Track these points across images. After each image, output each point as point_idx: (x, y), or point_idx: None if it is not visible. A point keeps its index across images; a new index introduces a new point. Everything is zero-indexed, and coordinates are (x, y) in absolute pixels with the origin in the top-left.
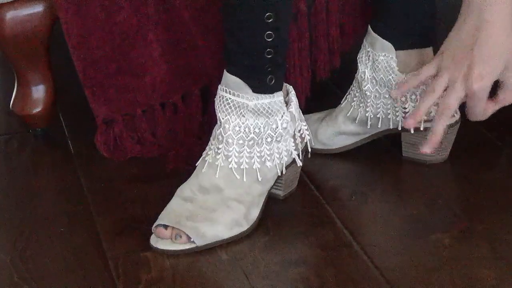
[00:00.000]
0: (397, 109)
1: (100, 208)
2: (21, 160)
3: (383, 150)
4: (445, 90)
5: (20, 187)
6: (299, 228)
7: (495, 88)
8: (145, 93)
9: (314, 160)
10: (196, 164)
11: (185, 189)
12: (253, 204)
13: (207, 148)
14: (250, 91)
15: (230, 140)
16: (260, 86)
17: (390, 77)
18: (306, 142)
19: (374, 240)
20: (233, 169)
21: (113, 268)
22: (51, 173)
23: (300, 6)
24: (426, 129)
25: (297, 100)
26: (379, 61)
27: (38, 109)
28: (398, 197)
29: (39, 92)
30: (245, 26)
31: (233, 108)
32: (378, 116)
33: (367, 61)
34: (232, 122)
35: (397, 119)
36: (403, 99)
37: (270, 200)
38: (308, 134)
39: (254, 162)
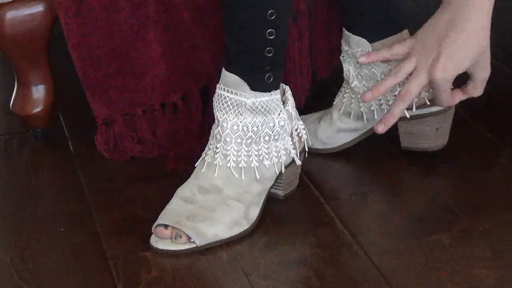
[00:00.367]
0: (388, 98)
1: (100, 208)
2: (21, 160)
3: (383, 150)
4: (410, 74)
5: (20, 187)
6: (299, 228)
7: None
8: (145, 93)
9: (314, 160)
10: (196, 165)
11: (185, 189)
12: (252, 203)
13: (206, 148)
14: (248, 89)
15: (228, 139)
16: (259, 84)
17: (373, 70)
18: (304, 142)
19: (374, 240)
20: (231, 168)
21: (113, 268)
22: (51, 173)
23: (300, 6)
24: (420, 116)
25: (293, 99)
26: (358, 57)
27: (38, 109)
28: (398, 197)
29: (39, 92)
30: (246, 24)
31: (231, 107)
32: (372, 108)
33: (349, 59)
34: (230, 121)
35: None
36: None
37: (270, 200)
38: (305, 133)
39: (252, 160)
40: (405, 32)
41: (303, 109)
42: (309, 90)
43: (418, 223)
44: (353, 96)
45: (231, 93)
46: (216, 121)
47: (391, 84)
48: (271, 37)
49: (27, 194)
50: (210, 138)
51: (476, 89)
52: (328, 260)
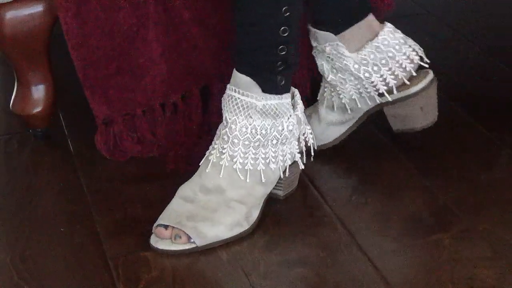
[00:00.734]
0: (366, 86)
1: (100, 208)
2: (21, 160)
3: (383, 150)
4: None
5: (20, 187)
6: (299, 228)
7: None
8: (145, 93)
9: (314, 160)
10: (200, 164)
11: (186, 189)
12: (254, 205)
13: (211, 147)
14: (259, 90)
15: (236, 141)
16: (270, 86)
17: (345, 62)
18: (310, 146)
19: (374, 240)
20: (237, 169)
21: (113, 268)
22: (51, 173)
23: None
24: (402, 99)
25: (302, 104)
26: (327, 52)
27: (38, 109)
28: (398, 197)
29: (39, 92)
30: (260, 20)
31: (241, 109)
32: (353, 98)
33: (320, 55)
34: (239, 122)
35: (371, 94)
36: (367, 74)
37: (270, 200)
38: (312, 138)
39: (259, 163)
40: (370, 16)
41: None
42: (309, 90)
43: (418, 223)
44: (332, 90)
45: (242, 94)
46: (224, 121)
47: None
48: (284, 34)
49: (27, 194)
50: (215, 137)
51: None
52: (328, 260)
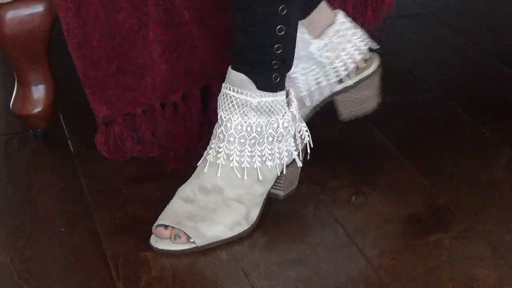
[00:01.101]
0: (327, 73)
1: (100, 208)
2: (21, 160)
3: (383, 150)
4: None
5: (20, 187)
6: (299, 228)
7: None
8: (145, 93)
9: (314, 160)
10: (198, 164)
11: (186, 189)
12: (253, 204)
13: (208, 147)
14: (254, 87)
15: (231, 139)
16: (265, 83)
17: (309, 49)
18: (306, 143)
19: (374, 240)
20: (234, 168)
21: (113, 268)
22: (51, 173)
23: None
24: (361, 80)
25: (297, 101)
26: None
27: (38, 109)
28: (398, 197)
29: (39, 92)
30: (257, 19)
31: (236, 107)
32: (312, 89)
33: None
34: (234, 121)
35: (332, 82)
36: (330, 60)
37: (270, 200)
38: (308, 135)
39: (255, 161)
40: (323, 3)
41: None
42: None
43: (418, 223)
44: (290, 85)
45: (237, 92)
46: (219, 120)
47: None
48: (281, 33)
49: (27, 194)
50: (212, 137)
51: None
52: (328, 260)
